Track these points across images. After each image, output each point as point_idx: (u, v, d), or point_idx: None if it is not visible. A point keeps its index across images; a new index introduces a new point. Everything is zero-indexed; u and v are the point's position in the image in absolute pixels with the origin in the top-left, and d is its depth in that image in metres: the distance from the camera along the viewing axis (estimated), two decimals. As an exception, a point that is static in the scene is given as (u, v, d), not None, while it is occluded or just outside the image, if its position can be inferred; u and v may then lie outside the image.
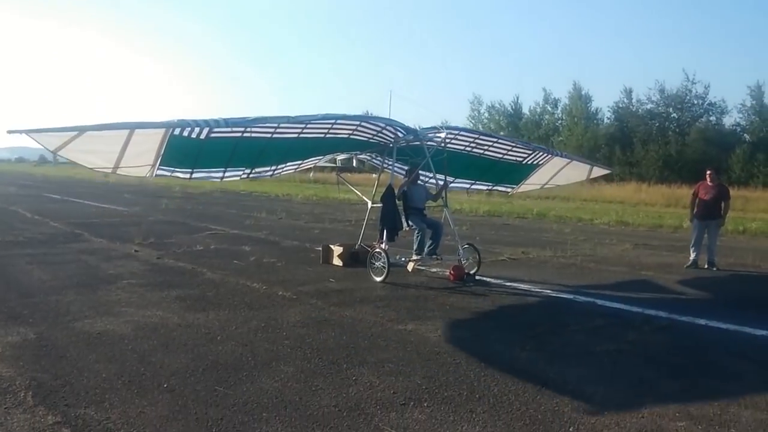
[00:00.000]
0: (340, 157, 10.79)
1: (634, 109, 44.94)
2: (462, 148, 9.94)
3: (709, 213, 10.25)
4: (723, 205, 10.33)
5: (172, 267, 9.43)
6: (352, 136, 9.20)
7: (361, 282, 8.40)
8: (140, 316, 6.30)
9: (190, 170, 8.57)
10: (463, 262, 8.79)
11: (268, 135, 8.30)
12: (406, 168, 9.84)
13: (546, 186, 12.28)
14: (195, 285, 8.03)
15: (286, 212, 20.79)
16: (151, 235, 12.91)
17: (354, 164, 10.72)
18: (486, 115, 55.31)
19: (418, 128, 9.49)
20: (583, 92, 48.31)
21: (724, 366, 5.05)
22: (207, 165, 8.69)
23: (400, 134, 9.19)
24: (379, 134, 9.27)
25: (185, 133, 7.33)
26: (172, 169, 8.31)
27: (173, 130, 7.14)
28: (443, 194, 9.28)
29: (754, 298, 8.24)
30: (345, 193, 31.18)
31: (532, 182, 11.79)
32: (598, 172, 12.14)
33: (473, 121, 54.01)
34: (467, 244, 9.22)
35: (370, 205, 10.00)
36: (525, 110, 52.59)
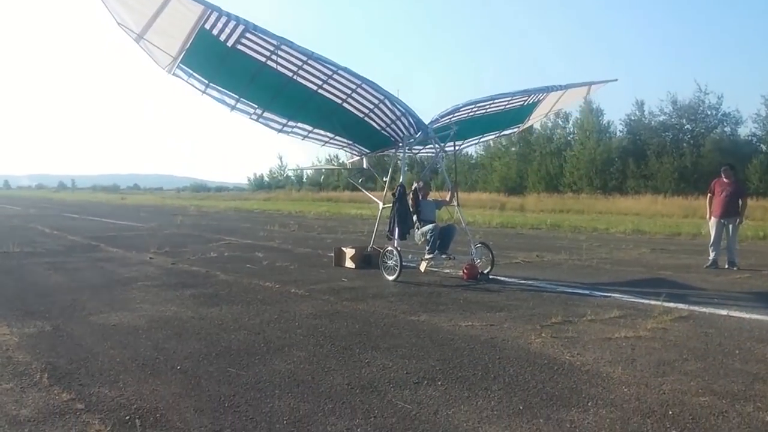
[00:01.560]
0: (351, 159, 10.84)
1: (646, 122, 44.58)
2: (465, 115, 9.94)
3: (727, 211, 10.07)
4: (740, 202, 10.16)
5: (186, 271, 9.48)
6: (366, 118, 9.16)
7: (374, 281, 8.37)
8: (155, 311, 6.32)
9: (207, 82, 8.34)
10: (476, 262, 8.72)
11: (290, 73, 8.18)
12: (418, 148, 9.92)
13: (550, 112, 12.70)
14: (209, 285, 8.05)
15: (298, 225, 20.87)
16: (166, 245, 13.05)
17: (364, 165, 10.75)
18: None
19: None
20: (594, 106, 48.18)
21: (749, 349, 4.90)
22: (224, 83, 8.47)
23: (411, 131, 9.21)
24: (393, 124, 9.28)
25: (215, 31, 7.27)
26: (191, 72, 8.13)
27: (207, 17, 7.03)
28: (455, 194, 9.30)
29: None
30: (357, 209, 31.34)
31: (536, 115, 11.97)
32: (597, 87, 12.27)
33: (485, 137, 54.05)
34: (480, 243, 9.17)
35: (381, 206, 10.00)
36: (536, 125, 52.56)
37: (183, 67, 7.94)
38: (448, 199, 9.63)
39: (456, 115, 9.49)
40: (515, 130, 12.56)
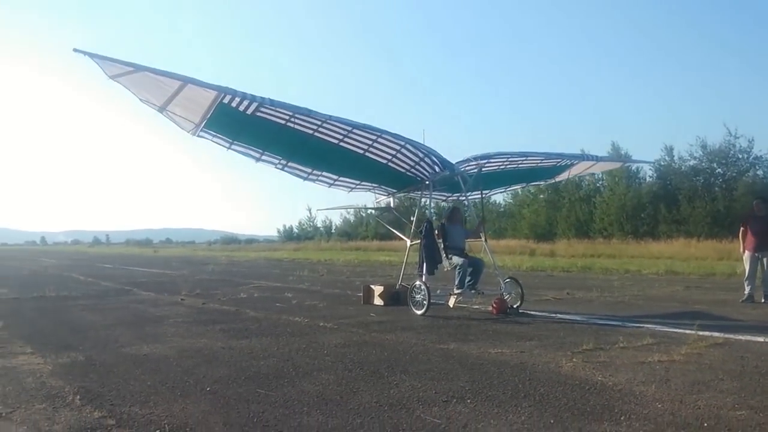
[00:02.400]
0: (378, 199, 11.02)
1: (676, 167, 44.16)
2: (496, 167, 9.97)
3: (761, 244, 9.83)
4: (775, 236, 9.91)
5: (216, 309, 9.61)
6: (390, 163, 9.30)
7: (403, 315, 8.36)
8: (185, 343, 6.41)
9: (231, 140, 8.55)
10: (505, 296, 8.64)
11: (310, 132, 8.34)
12: (445, 195, 9.94)
13: (579, 174, 13.15)
14: (238, 321, 8.15)
15: (327, 271, 20.99)
16: (197, 288, 13.28)
17: (392, 204, 10.89)
18: (524, 178, 55.22)
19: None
20: (622, 152, 48.00)
21: (788, 372, 4.73)
22: (247, 141, 8.67)
23: (437, 168, 9.32)
24: (417, 165, 9.39)
25: (234, 104, 7.41)
26: (214, 134, 8.34)
27: (223, 98, 7.21)
28: (482, 229, 9.31)
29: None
30: (386, 256, 31.38)
31: (566, 175, 11.99)
32: (630, 164, 12.46)
33: (512, 185, 54.07)
34: (509, 277, 9.10)
35: (408, 243, 10.06)
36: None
37: (206, 130, 8.25)
38: (474, 231, 9.59)
39: (486, 165, 9.57)
40: (541, 183, 12.67)
